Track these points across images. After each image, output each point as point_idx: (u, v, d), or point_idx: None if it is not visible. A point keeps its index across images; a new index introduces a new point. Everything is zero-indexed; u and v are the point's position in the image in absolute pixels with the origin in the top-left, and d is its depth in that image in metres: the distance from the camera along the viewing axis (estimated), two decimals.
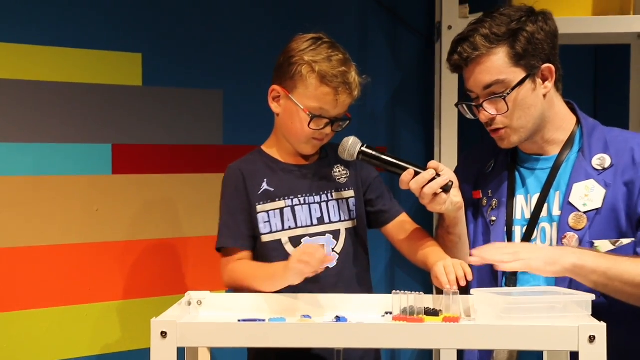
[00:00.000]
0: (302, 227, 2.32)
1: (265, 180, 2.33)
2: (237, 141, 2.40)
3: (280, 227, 2.31)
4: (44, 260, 2.75)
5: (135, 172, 2.93)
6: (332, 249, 2.33)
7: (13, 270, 2.70)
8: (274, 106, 2.34)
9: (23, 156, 2.71)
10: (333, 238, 2.34)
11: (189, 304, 2.06)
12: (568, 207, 2.21)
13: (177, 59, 3.01)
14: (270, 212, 2.31)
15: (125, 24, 2.90)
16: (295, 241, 2.31)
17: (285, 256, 2.25)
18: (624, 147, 2.22)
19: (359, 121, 3.38)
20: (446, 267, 2.09)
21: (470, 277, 2.07)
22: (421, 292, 1.99)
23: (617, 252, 2.16)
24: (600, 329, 1.74)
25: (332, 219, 2.35)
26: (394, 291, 2.00)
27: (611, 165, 2.21)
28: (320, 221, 2.33)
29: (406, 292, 1.99)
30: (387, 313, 2.05)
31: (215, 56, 3.08)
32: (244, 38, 3.08)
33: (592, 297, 1.88)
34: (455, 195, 2.21)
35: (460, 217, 2.28)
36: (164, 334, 1.79)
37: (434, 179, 2.15)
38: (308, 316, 2.08)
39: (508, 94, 2.19)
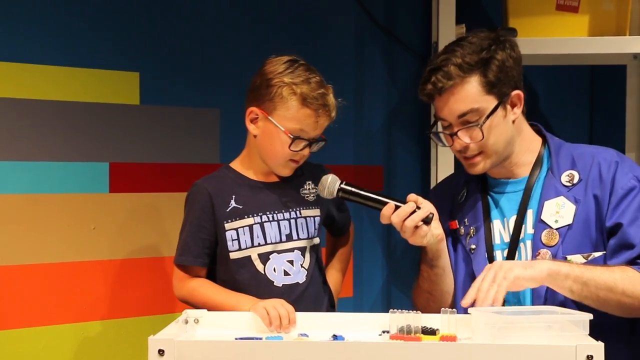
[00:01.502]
0: (271, 243, 2.34)
1: (233, 197, 2.35)
2: (233, 159, 2.41)
3: (249, 244, 2.33)
4: (40, 278, 2.74)
5: (132, 190, 2.93)
6: (301, 264, 2.36)
7: (9, 288, 2.69)
8: (251, 128, 2.35)
9: (20, 174, 2.71)
10: (301, 254, 2.36)
11: (186, 322, 2.05)
12: (540, 224, 2.24)
13: (174, 78, 3.02)
14: (239, 229, 2.33)
15: (123, 42, 2.91)
16: (264, 257, 2.33)
17: (254, 272, 2.31)
18: (591, 162, 2.26)
19: (355, 140, 3.42)
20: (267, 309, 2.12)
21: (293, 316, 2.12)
22: (418, 311, 1.99)
23: (590, 264, 2.19)
24: (598, 348, 1.74)
25: (301, 236, 2.37)
26: (391, 310, 2.00)
27: (580, 181, 2.25)
28: (289, 238, 2.36)
29: (403, 310, 1.99)
30: (384, 332, 2.05)
31: (212, 75, 3.09)
32: (241, 57, 3.09)
33: (590, 316, 1.88)
34: (436, 227, 2.24)
35: (442, 249, 2.29)
36: (161, 352, 1.78)
37: (414, 211, 2.17)
38: (305, 334, 2.08)
39: (484, 122, 2.21)
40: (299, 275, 2.35)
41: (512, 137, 2.28)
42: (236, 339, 1.96)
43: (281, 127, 2.29)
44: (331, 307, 2.45)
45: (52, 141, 2.78)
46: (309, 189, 2.41)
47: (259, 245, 2.33)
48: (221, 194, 2.34)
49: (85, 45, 2.84)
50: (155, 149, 2.99)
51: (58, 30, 2.78)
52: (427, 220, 2.18)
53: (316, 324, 2.13)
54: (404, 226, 2.17)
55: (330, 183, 2.26)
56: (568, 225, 2.21)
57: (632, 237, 2.17)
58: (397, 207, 2.18)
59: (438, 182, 3.02)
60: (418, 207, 2.18)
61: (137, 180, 2.94)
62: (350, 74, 3.42)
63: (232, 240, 2.32)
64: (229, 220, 2.33)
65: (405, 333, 1.96)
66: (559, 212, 2.23)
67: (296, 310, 2.16)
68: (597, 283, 2.10)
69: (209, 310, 2.25)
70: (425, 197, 2.24)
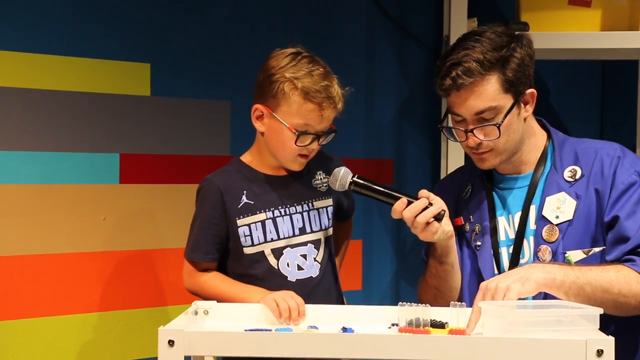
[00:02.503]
0: (284, 238, 2.33)
1: (245, 193, 2.33)
2: (244, 152, 2.41)
3: (262, 240, 2.32)
4: (51, 269, 2.75)
5: (143, 181, 2.94)
6: (314, 258, 2.35)
7: (20, 277, 2.70)
8: (257, 125, 2.33)
9: (31, 164, 2.72)
10: (314, 247, 2.35)
11: (196, 313, 2.06)
12: (541, 220, 2.24)
13: (185, 70, 3.02)
14: (251, 225, 2.31)
15: (134, 34, 2.91)
16: (278, 252, 2.32)
17: (268, 267, 2.30)
18: (594, 157, 2.25)
19: (366, 134, 3.42)
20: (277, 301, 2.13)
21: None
22: (427, 304, 2.00)
23: (589, 260, 2.19)
24: (608, 342, 1.74)
25: (314, 229, 2.36)
26: (400, 303, 2.00)
27: (582, 176, 2.24)
28: (302, 231, 2.35)
29: (412, 304, 1.99)
30: (393, 324, 2.05)
31: (223, 67, 3.09)
32: (252, 50, 3.09)
33: (600, 310, 1.87)
34: (447, 224, 2.23)
35: (451, 245, 2.29)
36: (171, 343, 1.79)
37: (426, 207, 2.16)
38: (315, 327, 2.08)
39: (502, 121, 2.20)
40: (312, 269, 2.34)
41: (522, 134, 2.27)
42: (246, 330, 1.96)
43: (286, 124, 2.26)
44: (341, 300, 2.45)
45: (63, 132, 2.78)
46: (321, 179, 2.37)
47: (272, 240, 2.32)
48: (232, 189, 2.33)
49: (97, 36, 2.84)
50: (165, 140, 2.99)
51: (69, 22, 2.79)
52: (438, 217, 2.18)
53: (326, 317, 2.13)
54: (415, 222, 2.16)
55: (343, 176, 2.25)
56: (568, 220, 2.21)
57: (628, 230, 2.16)
58: (409, 203, 2.17)
59: (448, 173, 3.02)
60: (430, 204, 2.17)
61: (147, 172, 2.94)
62: (362, 67, 3.42)
63: (245, 236, 2.31)
64: (241, 216, 2.32)
65: (415, 326, 1.96)
66: (560, 207, 2.22)
67: (308, 304, 2.16)
68: (593, 286, 2.09)
69: (219, 302, 2.26)
70: (432, 192, 2.24)
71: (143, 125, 2.94)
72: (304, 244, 2.34)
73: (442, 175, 3.22)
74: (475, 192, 2.37)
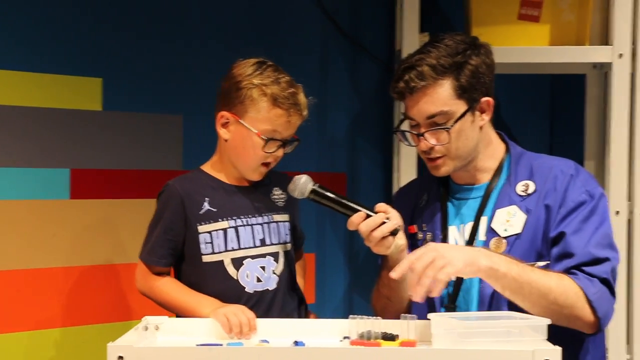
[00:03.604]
0: (244, 248, 2.33)
1: (207, 200, 2.34)
2: (197, 166, 2.40)
3: (223, 248, 2.32)
4: None
5: (94, 197, 2.91)
6: (273, 271, 2.35)
7: None
8: (222, 132, 2.35)
9: None
10: (273, 260, 2.36)
11: (146, 328, 2.05)
12: (490, 232, 2.25)
13: (137, 84, 3.01)
14: (212, 232, 2.32)
15: (86, 48, 2.90)
16: (238, 262, 2.32)
17: (225, 277, 2.30)
18: (548, 173, 2.26)
19: (319, 147, 3.43)
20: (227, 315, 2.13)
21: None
22: (378, 317, 2.00)
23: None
24: (555, 353, 1.76)
25: (273, 241, 2.37)
26: (351, 316, 2.01)
27: (534, 191, 2.25)
28: (262, 243, 2.35)
29: (363, 316, 2.00)
30: (345, 338, 2.06)
31: (175, 81, 3.08)
32: (204, 64, 3.09)
33: (548, 321, 1.90)
34: (400, 238, 2.24)
35: (403, 258, 2.29)
36: (120, 359, 1.77)
37: (383, 222, 2.17)
38: (266, 341, 2.08)
39: (452, 126, 2.22)
40: (269, 282, 2.34)
41: (477, 142, 2.29)
42: (197, 345, 1.95)
43: (253, 130, 2.29)
44: (303, 314, 2.44)
45: (13, 147, 2.75)
46: (278, 194, 2.41)
47: (233, 249, 2.32)
48: (194, 195, 2.33)
49: (48, 50, 2.82)
50: (117, 155, 2.97)
51: (20, 35, 2.76)
52: (394, 232, 2.19)
53: (277, 330, 2.13)
54: (370, 236, 2.18)
55: (303, 183, 2.25)
56: (517, 234, 2.22)
57: (573, 246, 2.17)
58: (367, 216, 2.18)
59: (403, 185, 3.04)
60: (387, 219, 2.19)
61: (98, 187, 2.92)
62: (315, 81, 3.43)
63: (206, 243, 2.31)
64: (203, 223, 2.32)
65: (366, 339, 1.96)
66: (510, 220, 2.24)
67: (265, 317, 2.17)
68: (532, 287, 2.10)
69: (169, 308, 2.28)
70: (389, 202, 2.24)
71: (94, 140, 2.92)
72: (263, 255, 2.35)
73: (395, 188, 3.24)
74: (431, 201, 2.39)
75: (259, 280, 2.33)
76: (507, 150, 2.36)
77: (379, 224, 2.17)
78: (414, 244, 2.37)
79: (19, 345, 2.76)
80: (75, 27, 2.88)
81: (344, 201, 2.22)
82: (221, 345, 1.99)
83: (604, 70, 3.20)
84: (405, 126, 2.35)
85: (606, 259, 2.17)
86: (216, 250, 2.31)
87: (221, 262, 2.31)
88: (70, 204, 2.87)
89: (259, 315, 2.18)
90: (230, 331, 2.10)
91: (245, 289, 2.31)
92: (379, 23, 3.56)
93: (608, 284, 2.17)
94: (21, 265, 2.76)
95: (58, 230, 2.84)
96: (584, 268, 2.16)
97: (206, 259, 2.31)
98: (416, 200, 2.43)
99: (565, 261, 2.18)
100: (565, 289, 2.12)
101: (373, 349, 1.87)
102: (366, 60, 3.54)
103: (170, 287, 2.32)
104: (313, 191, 2.24)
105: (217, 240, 2.31)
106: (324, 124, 3.45)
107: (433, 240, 2.33)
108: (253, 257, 2.33)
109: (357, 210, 2.19)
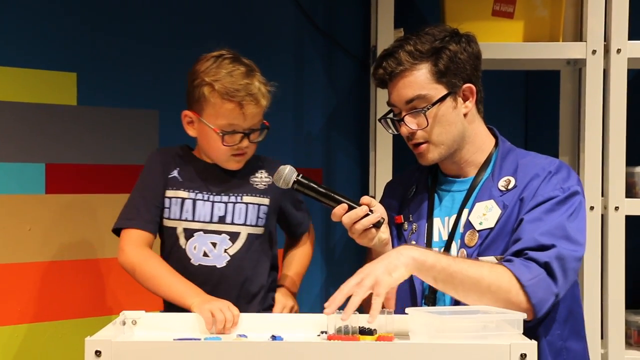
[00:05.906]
0: (198, 221, 2.37)
1: (177, 169, 2.41)
2: None
3: (177, 216, 2.38)
4: None
5: (69, 191, 2.90)
6: (225, 249, 2.38)
7: None
8: (189, 131, 2.41)
9: None
10: (229, 239, 2.39)
11: (124, 323, 2.05)
12: (467, 225, 2.26)
13: (113, 79, 3.00)
14: (172, 199, 2.38)
15: (61, 43, 2.88)
16: (189, 233, 2.37)
17: (176, 245, 2.36)
18: (531, 171, 2.26)
19: (295, 143, 3.43)
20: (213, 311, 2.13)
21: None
22: (356, 312, 2.01)
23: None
24: (531, 346, 1.78)
25: (235, 221, 2.39)
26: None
27: (514, 187, 2.25)
28: (221, 220, 2.39)
29: (341, 311, 2.00)
30: (322, 332, 2.06)
31: (150, 76, 3.07)
32: (180, 58, 3.06)
33: (524, 315, 1.92)
34: (384, 232, 2.26)
35: (386, 252, 2.30)
36: (98, 353, 1.77)
37: (366, 215, 2.18)
38: (244, 335, 2.08)
39: (428, 109, 2.24)
40: (218, 260, 2.37)
41: (462, 130, 2.30)
42: (174, 339, 1.95)
43: (211, 126, 2.33)
44: (267, 307, 2.45)
45: None
46: (261, 177, 2.44)
47: (186, 220, 2.37)
48: (168, 162, 2.41)
49: (23, 45, 2.81)
50: (92, 150, 2.96)
51: None
52: (377, 225, 2.20)
53: (255, 325, 2.13)
54: (353, 228, 2.19)
55: (288, 173, 2.24)
56: (490, 228, 2.22)
57: (525, 232, 2.16)
58: (350, 208, 2.19)
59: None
60: (371, 211, 2.19)
61: (74, 182, 2.91)
62: (291, 77, 3.43)
63: (165, 207, 2.39)
64: (169, 188, 2.39)
65: (343, 333, 1.97)
66: (486, 214, 2.25)
67: (212, 294, 2.21)
68: (464, 275, 2.09)
69: (151, 288, 2.30)
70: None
71: (69, 135, 2.91)
72: (219, 232, 2.38)
73: (371, 184, 3.25)
74: (418, 192, 2.40)
75: (205, 255, 2.36)
76: (497, 145, 2.37)
77: (361, 216, 2.18)
78: (400, 235, 2.38)
79: None
80: (50, 21, 2.86)
81: (328, 192, 2.23)
82: (199, 339, 1.99)
83: (577, 66, 3.23)
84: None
85: (552, 246, 2.13)
86: (172, 216, 2.37)
87: (175, 229, 2.37)
88: (46, 198, 2.86)
89: (206, 291, 2.23)
90: (211, 327, 2.10)
91: (191, 261, 2.36)
92: (354, 19, 3.57)
93: (549, 268, 2.12)
94: None
95: (33, 225, 2.83)
96: (526, 252, 2.14)
97: (164, 223, 2.38)
98: (405, 191, 2.44)
99: (512, 247, 2.17)
100: (498, 276, 2.09)
101: (350, 344, 1.88)
102: (342, 57, 3.55)
103: (160, 264, 2.33)
104: (297, 181, 2.24)
105: (174, 207, 2.38)
106: (300, 120, 3.46)
107: (418, 230, 2.33)
108: (206, 231, 2.37)
109: (340, 202, 2.20)
